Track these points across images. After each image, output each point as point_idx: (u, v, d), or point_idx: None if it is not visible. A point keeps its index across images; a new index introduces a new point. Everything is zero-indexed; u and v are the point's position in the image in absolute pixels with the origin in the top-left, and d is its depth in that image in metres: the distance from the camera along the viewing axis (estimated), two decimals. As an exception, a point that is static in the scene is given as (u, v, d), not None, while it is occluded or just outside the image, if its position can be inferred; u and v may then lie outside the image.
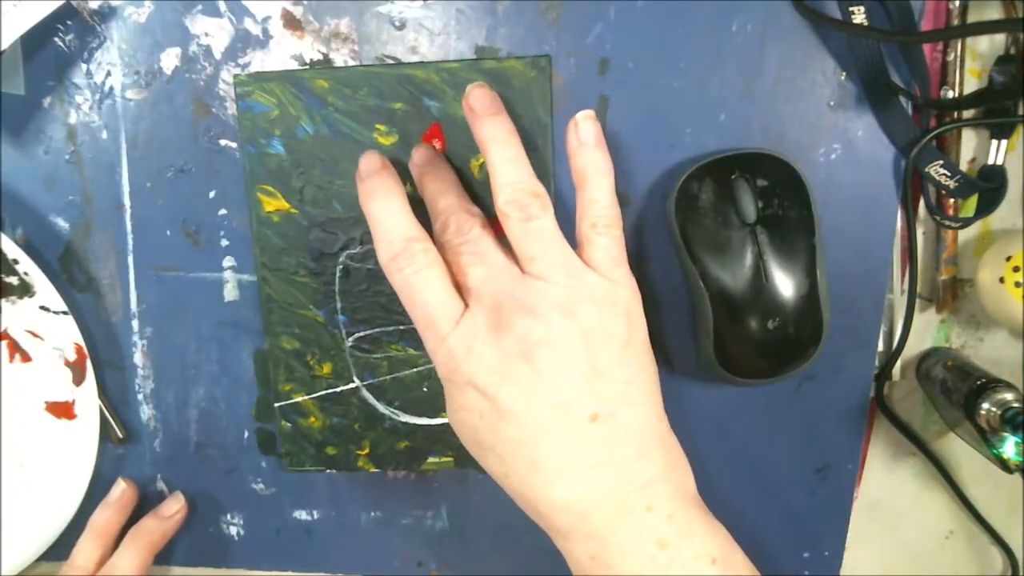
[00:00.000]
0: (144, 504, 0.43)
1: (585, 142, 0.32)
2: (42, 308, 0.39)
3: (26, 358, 0.41)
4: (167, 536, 0.42)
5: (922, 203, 0.39)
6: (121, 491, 0.42)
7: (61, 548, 0.42)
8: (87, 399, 0.41)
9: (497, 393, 0.30)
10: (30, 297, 0.39)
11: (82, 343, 0.40)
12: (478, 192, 0.37)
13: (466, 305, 0.32)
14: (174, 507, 0.42)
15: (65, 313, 0.39)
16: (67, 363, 0.40)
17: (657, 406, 0.32)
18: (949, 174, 0.37)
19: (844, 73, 0.36)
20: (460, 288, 0.32)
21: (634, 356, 0.31)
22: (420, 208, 0.35)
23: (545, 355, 0.30)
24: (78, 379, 0.40)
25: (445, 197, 0.34)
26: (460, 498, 0.43)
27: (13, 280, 0.39)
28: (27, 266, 0.38)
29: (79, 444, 0.41)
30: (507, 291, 0.31)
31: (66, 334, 0.40)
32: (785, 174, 0.35)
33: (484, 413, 0.31)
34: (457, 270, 0.32)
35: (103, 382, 0.41)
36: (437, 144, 0.37)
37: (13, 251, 0.38)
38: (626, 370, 0.31)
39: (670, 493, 0.31)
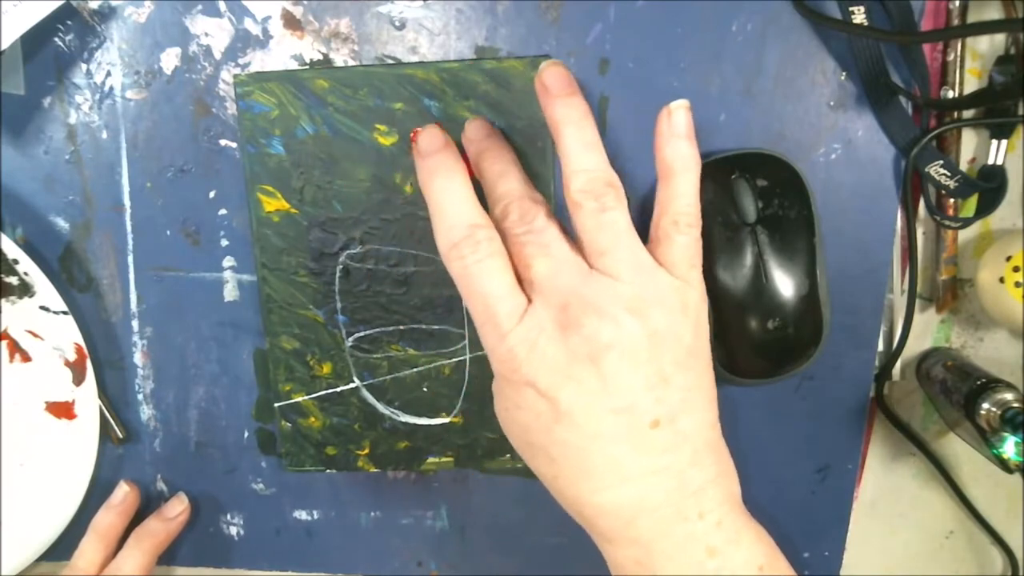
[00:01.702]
0: (144, 504, 0.43)
1: (677, 132, 0.30)
2: (42, 308, 0.39)
3: (26, 358, 0.41)
4: (171, 537, 0.42)
5: (922, 203, 0.39)
6: (124, 494, 0.42)
7: (61, 548, 0.42)
8: (87, 399, 0.41)
9: (558, 395, 0.29)
10: (30, 297, 0.39)
11: (82, 343, 0.40)
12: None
13: (528, 299, 0.30)
14: (178, 508, 0.42)
15: (65, 313, 0.39)
16: (67, 363, 0.40)
17: (713, 414, 0.31)
18: (949, 174, 0.37)
19: (844, 73, 0.36)
20: (522, 280, 0.30)
21: (697, 362, 0.30)
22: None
23: (613, 358, 0.28)
24: (78, 379, 0.40)
25: (506, 180, 0.32)
26: (460, 498, 0.43)
27: (13, 280, 0.39)
28: (27, 266, 0.38)
29: (79, 444, 0.41)
30: (574, 288, 0.29)
31: (66, 334, 0.40)
32: (785, 174, 0.35)
33: (541, 414, 0.29)
34: (520, 261, 0.30)
35: (103, 382, 0.41)
36: None
37: (13, 251, 0.38)
38: (689, 376, 0.30)
39: (720, 499, 0.30)
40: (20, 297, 0.39)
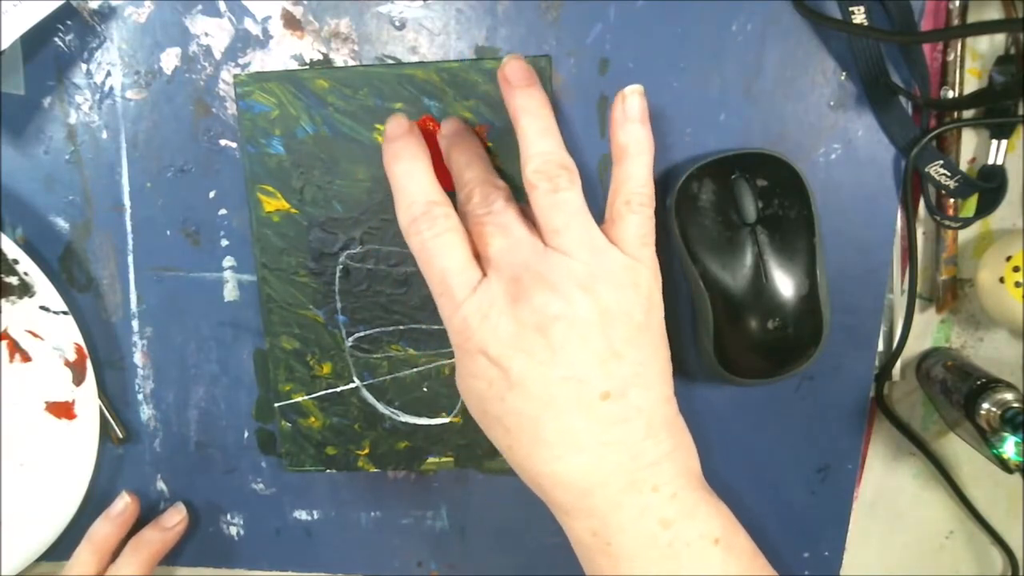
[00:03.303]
0: (144, 504, 0.43)
1: (631, 116, 0.32)
2: (42, 308, 0.39)
3: (26, 358, 0.41)
4: (168, 547, 0.42)
5: (922, 203, 0.39)
6: (124, 505, 0.42)
7: (61, 548, 0.42)
8: (87, 399, 0.41)
9: (510, 364, 0.30)
10: (30, 297, 0.39)
11: (82, 343, 0.40)
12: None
13: (484, 274, 0.31)
14: (175, 518, 0.42)
15: (65, 313, 0.39)
16: (67, 363, 0.40)
17: (668, 388, 0.32)
18: (949, 174, 0.37)
19: (844, 73, 0.36)
20: (480, 258, 0.32)
21: (650, 339, 0.31)
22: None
23: (561, 330, 0.29)
24: (78, 379, 0.40)
25: (471, 168, 0.34)
26: (460, 498, 0.43)
27: (13, 280, 0.39)
28: (27, 266, 0.38)
29: (79, 444, 0.41)
30: (527, 263, 0.30)
31: (66, 334, 0.40)
32: (785, 174, 0.35)
33: (493, 382, 0.30)
34: (479, 240, 0.32)
35: (103, 382, 0.41)
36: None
37: (13, 251, 0.38)
38: (641, 352, 0.30)
39: (675, 472, 0.30)
40: (20, 297, 0.39)
